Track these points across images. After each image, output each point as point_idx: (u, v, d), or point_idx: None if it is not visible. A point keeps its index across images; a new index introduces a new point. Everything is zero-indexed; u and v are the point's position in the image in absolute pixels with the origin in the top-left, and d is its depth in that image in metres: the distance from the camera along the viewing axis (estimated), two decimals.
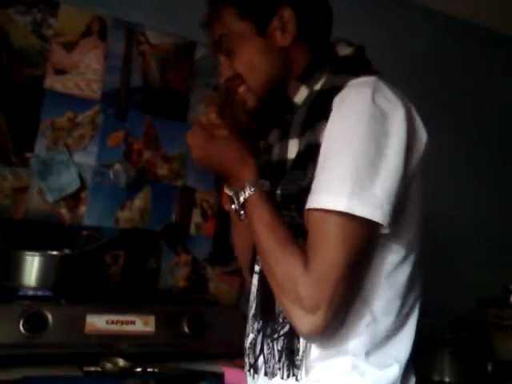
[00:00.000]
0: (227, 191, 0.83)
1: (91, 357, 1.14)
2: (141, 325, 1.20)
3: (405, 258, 0.78)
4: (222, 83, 0.89)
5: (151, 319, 1.21)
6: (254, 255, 0.89)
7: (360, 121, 0.70)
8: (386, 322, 0.77)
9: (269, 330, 0.81)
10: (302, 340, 0.76)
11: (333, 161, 0.71)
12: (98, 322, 1.16)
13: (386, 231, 0.71)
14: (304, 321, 0.69)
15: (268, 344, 0.80)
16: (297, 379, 0.77)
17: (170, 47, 1.77)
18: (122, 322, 1.19)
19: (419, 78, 2.15)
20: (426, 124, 0.79)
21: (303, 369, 0.76)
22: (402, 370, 0.78)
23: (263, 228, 0.76)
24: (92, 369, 1.13)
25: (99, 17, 1.68)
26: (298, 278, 0.69)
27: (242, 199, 0.79)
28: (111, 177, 1.63)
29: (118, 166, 1.62)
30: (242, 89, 0.85)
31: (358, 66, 0.81)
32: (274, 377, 0.79)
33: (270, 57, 0.83)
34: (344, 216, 0.68)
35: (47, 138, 1.58)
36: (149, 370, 1.15)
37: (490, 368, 1.41)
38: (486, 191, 2.30)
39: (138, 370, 1.14)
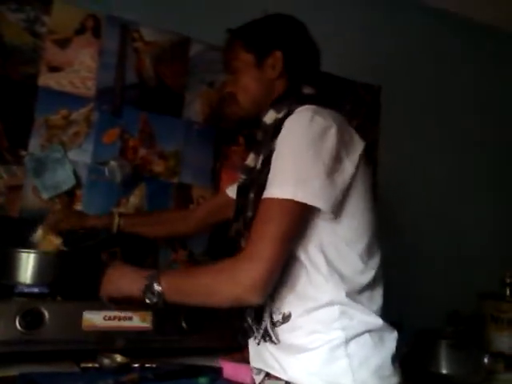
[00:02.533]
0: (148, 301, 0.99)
1: (89, 353, 1.14)
2: (138, 321, 1.20)
3: (356, 236, 0.99)
4: (224, 93, 1.22)
5: (148, 315, 1.20)
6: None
7: (302, 133, 0.93)
8: (354, 283, 0.97)
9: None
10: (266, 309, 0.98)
11: (280, 162, 0.93)
12: (94, 319, 1.16)
13: (330, 216, 0.93)
14: (243, 279, 0.89)
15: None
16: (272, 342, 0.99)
17: (164, 44, 1.77)
18: (120, 318, 1.18)
19: (422, 94, 2.18)
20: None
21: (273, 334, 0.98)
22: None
23: (186, 277, 1.03)
24: (90, 365, 1.13)
25: (93, 14, 1.68)
26: (231, 265, 0.92)
27: (157, 286, 0.97)
28: (106, 174, 1.62)
29: (113, 163, 1.62)
30: (234, 105, 1.16)
31: (320, 102, 1.03)
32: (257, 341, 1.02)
33: (260, 84, 1.13)
34: (287, 202, 0.89)
35: (42, 135, 1.57)
36: (147, 365, 1.15)
37: (486, 360, 1.42)
38: (486, 184, 2.31)
39: (136, 365, 1.14)
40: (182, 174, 1.77)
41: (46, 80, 1.59)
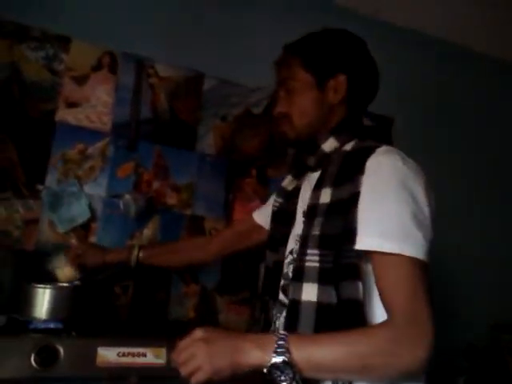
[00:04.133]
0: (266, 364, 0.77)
1: None
2: (152, 357, 1.19)
3: None
4: (275, 113, 1.06)
5: (162, 351, 1.19)
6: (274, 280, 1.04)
7: (398, 179, 0.85)
8: None
9: None
10: None
11: (379, 211, 0.83)
12: (109, 355, 1.15)
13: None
14: (423, 355, 0.76)
15: None
16: None
17: (178, 79, 1.81)
18: (134, 355, 1.18)
19: (420, 120, 2.18)
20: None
21: None
22: None
23: (331, 353, 0.77)
24: None
25: (109, 51, 1.73)
26: (397, 334, 0.77)
27: (287, 361, 0.75)
28: (121, 207, 1.64)
29: (127, 197, 1.64)
30: (286, 125, 1.03)
31: (380, 136, 1.00)
32: None
33: (319, 107, 1.01)
34: (411, 260, 0.80)
35: (58, 170, 1.60)
36: None
37: None
38: (499, 216, 2.29)
39: None
40: (194, 206, 1.78)
41: (64, 115, 1.63)
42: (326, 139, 1.00)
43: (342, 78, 1.00)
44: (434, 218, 0.87)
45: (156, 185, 1.73)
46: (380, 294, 0.82)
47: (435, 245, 0.86)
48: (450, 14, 2.09)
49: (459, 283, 2.10)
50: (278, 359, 0.75)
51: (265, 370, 0.76)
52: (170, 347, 1.21)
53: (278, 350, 0.76)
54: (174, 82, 1.81)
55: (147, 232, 1.69)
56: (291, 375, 0.75)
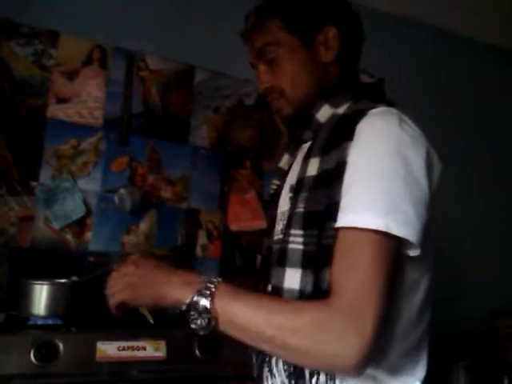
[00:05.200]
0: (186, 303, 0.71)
1: None
2: (152, 350, 1.20)
3: (421, 278, 0.78)
4: (261, 90, 0.90)
5: (162, 344, 1.20)
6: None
7: (391, 145, 0.71)
8: (405, 343, 0.76)
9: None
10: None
11: (367, 181, 0.70)
12: (108, 349, 1.16)
13: (416, 252, 0.70)
14: (349, 353, 0.63)
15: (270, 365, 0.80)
16: None
17: (169, 72, 1.80)
18: (133, 348, 1.18)
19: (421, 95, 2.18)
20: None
21: None
22: None
23: (252, 309, 0.69)
24: None
25: (99, 45, 1.71)
26: (327, 320, 0.64)
27: (206, 305, 0.69)
28: (116, 202, 1.64)
29: (122, 191, 1.64)
30: (279, 101, 0.88)
31: (378, 95, 0.85)
32: None
33: (312, 70, 0.86)
34: (379, 235, 0.67)
35: (52, 166, 1.59)
36: None
37: (506, 382, 1.39)
38: (502, 203, 2.31)
39: None
40: (190, 199, 1.78)
41: (55, 111, 1.62)
42: (318, 108, 0.85)
43: (332, 30, 0.86)
44: (434, 196, 0.75)
45: (150, 178, 1.73)
46: (331, 273, 0.69)
47: (435, 228, 0.77)
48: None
49: (460, 268, 2.12)
50: (198, 300, 0.69)
51: (183, 307, 0.71)
52: (169, 340, 1.22)
53: (203, 292, 0.70)
54: (165, 75, 1.79)
55: (143, 226, 1.69)
56: (206, 321, 0.69)
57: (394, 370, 0.75)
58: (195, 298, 0.70)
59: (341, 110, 0.84)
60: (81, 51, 1.69)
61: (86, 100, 1.67)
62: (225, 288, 0.71)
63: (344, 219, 0.69)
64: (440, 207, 0.83)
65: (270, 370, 0.79)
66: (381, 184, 0.69)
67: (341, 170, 0.73)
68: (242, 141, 1.89)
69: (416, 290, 0.77)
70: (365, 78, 0.89)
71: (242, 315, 0.69)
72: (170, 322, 1.59)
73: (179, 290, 0.72)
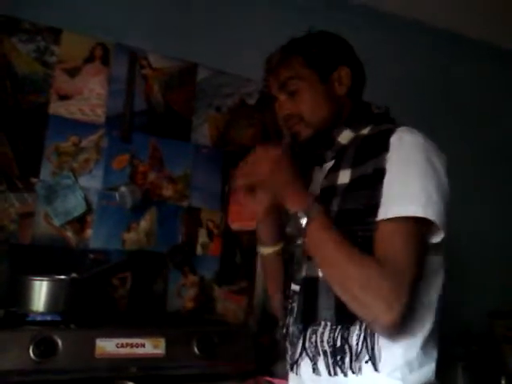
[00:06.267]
0: (293, 212, 0.89)
1: (102, 381, 1.13)
2: (151, 347, 1.19)
3: (437, 271, 0.92)
4: (281, 117, 1.05)
5: (161, 341, 1.20)
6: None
7: (421, 154, 0.88)
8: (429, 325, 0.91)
9: (309, 331, 0.91)
10: (354, 338, 0.86)
11: (406, 181, 0.86)
12: (107, 346, 1.16)
13: (438, 239, 0.87)
14: (385, 315, 0.79)
15: (312, 343, 0.90)
16: (346, 375, 0.86)
17: (172, 70, 1.80)
18: (132, 345, 1.18)
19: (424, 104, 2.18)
20: None
21: (354, 366, 0.86)
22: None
23: (336, 243, 0.85)
24: None
25: (102, 42, 1.71)
26: (379, 274, 0.80)
27: (306, 220, 0.87)
28: (117, 199, 1.64)
29: (123, 189, 1.63)
30: (299, 125, 1.02)
31: (391, 120, 1.03)
32: (321, 375, 0.90)
33: (328, 100, 1.02)
34: (419, 223, 0.83)
35: (52, 162, 1.59)
36: None
37: (503, 382, 1.39)
38: (500, 204, 2.30)
39: None
40: (190, 198, 1.78)
41: (56, 108, 1.62)
42: (340, 132, 1.02)
43: (345, 69, 1.03)
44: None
45: (151, 176, 1.73)
46: (377, 252, 0.84)
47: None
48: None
49: (459, 269, 2.11)
50: (302, 217, 0.87)
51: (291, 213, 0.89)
52: (168, 337, 1.22)
53: (307, 212, 0.87)
54: (167, 72, 1.79)
55: (144, 224, 1.69)
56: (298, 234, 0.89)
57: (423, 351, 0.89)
58: (299, 215, 0.87)
59: (364, 131, 1.01)
60: (83, 48, 1.69)
61: (88, 97, 1.67)
62: (324, 216, 0.88)
63: (390, 211, 0.84)
64: None
65: (316, 346, 0.90)
66: (418, 183, 0.85)
67: (379, 175, 0.88)
68: (244, 140, 1.88)
69: (435, 280, 0.91)
70: (375, 109, 1.09)
71: (327, 247, 0.86)
72: (169, 320, 1.60)
73: (296, 203, 0.89)
